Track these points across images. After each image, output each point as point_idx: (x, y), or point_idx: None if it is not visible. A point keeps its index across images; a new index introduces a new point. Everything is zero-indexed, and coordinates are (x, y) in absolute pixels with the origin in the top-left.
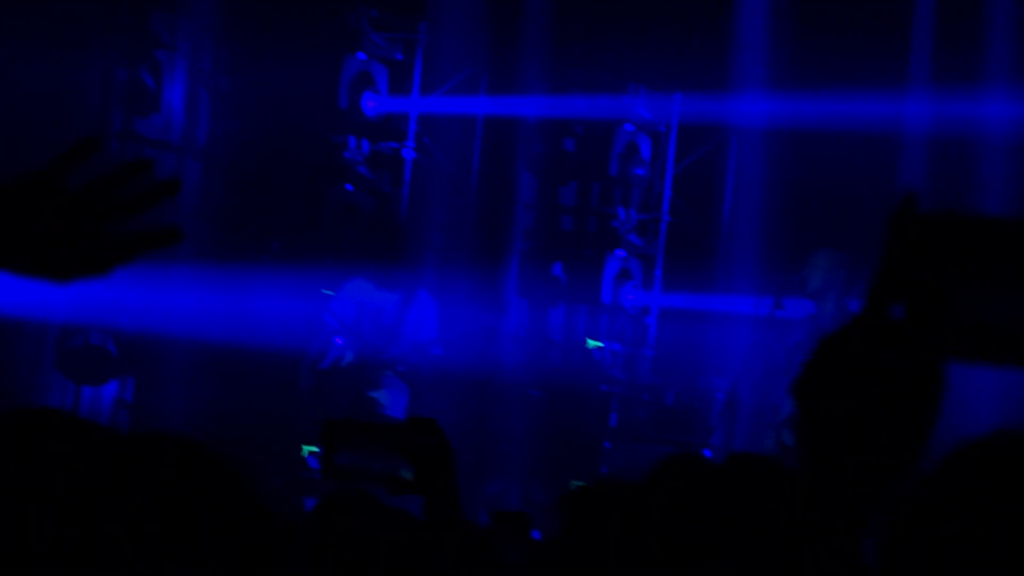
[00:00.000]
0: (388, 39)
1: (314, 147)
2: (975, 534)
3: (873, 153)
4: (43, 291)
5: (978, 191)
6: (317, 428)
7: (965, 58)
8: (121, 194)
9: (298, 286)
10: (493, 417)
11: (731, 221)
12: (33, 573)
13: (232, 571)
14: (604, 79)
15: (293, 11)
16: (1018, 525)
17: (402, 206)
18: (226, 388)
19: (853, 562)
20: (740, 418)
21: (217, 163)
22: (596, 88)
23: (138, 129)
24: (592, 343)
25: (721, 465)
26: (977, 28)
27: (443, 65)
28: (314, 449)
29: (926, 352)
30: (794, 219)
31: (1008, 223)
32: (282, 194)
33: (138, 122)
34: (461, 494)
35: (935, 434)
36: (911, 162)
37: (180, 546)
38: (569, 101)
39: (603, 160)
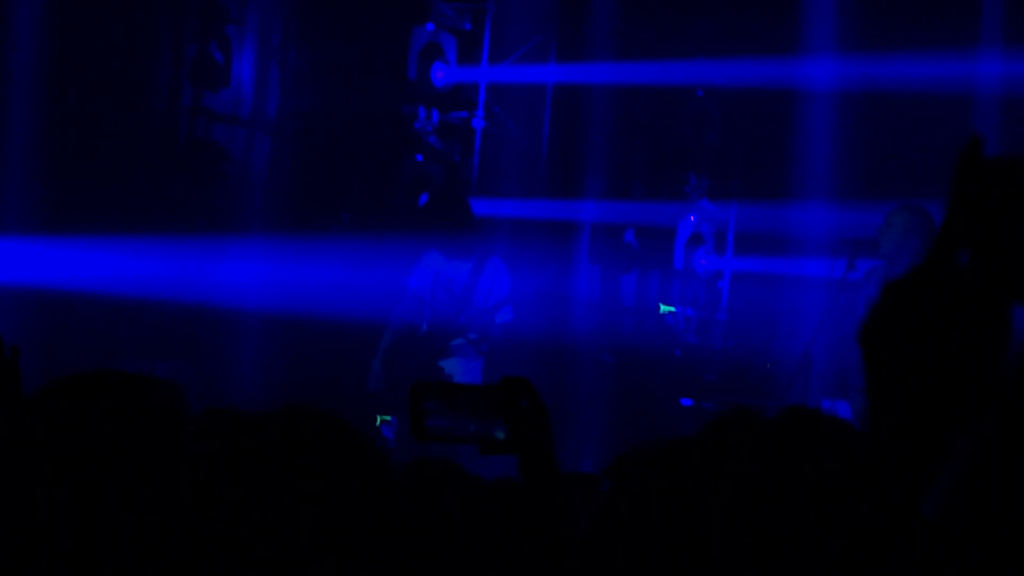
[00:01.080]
0: (456, 9)
1: (384, 119)
2: None
3: (947, 114)
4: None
5: None
6: (390, 398)
7: None
8: None
9: (370, 257)
10: (566, 382)
11: (802, 184)
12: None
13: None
14: (672, 46)
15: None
16: None
17: (472, 175)
18: (297, 360)
19: (911, 517)
20: (814, 381)
21: (287, 137)
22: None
23: (208, 104)
24: (665, 308)
25: (775, 419)
26: None
27: (511, 34)
28: (388, 418)
29: (991, 297)
30: (868, 181)
31: None
32: (352, 166)
33: (208, 97)
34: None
35: (1001, 380)
36: (984, 123)
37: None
38: (639, 68)
39: (675, 124)
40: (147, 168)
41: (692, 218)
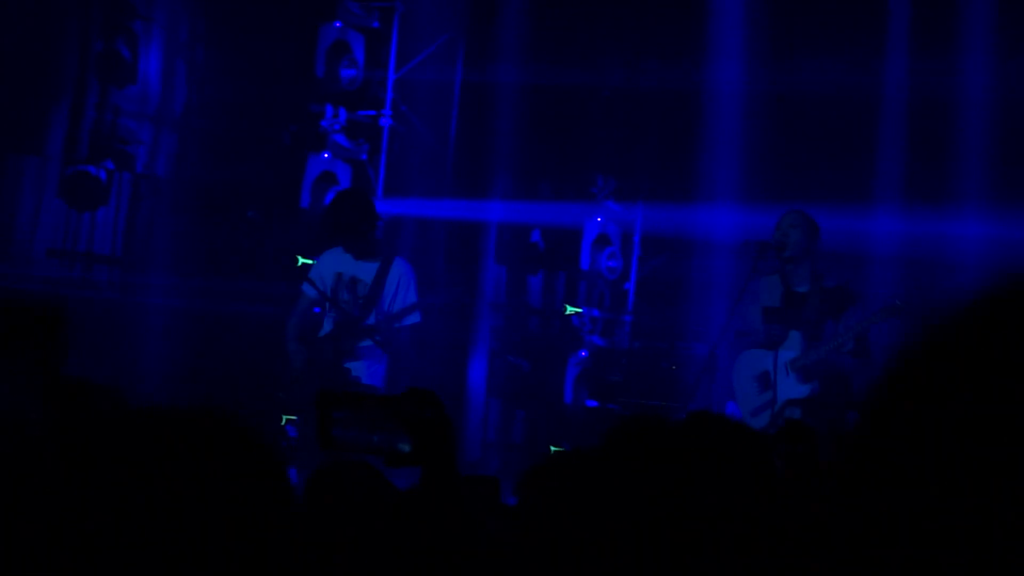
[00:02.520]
0: (364, 7)
1: (291, 116)
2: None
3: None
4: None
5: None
6: (294, 398)
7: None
8: None
9: (275, 255)
10: (472, 385)
11: (708, 185)
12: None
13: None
14: (580, 47)
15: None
16: None
17: (380, 174)
18: (202, 356)
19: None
20: (718, 383)
21: (193, 133)
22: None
23: (115, 100)
24: (571, 309)
25: (680, 424)
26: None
27: (420, 33)
28: (292, 418)
29: None
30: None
31: None
32: (259, 163)
33: (115, 93)
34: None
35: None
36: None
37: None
38: (547, 68)
39: (582, 125)
40: (54, 162)
41: (599, 219)
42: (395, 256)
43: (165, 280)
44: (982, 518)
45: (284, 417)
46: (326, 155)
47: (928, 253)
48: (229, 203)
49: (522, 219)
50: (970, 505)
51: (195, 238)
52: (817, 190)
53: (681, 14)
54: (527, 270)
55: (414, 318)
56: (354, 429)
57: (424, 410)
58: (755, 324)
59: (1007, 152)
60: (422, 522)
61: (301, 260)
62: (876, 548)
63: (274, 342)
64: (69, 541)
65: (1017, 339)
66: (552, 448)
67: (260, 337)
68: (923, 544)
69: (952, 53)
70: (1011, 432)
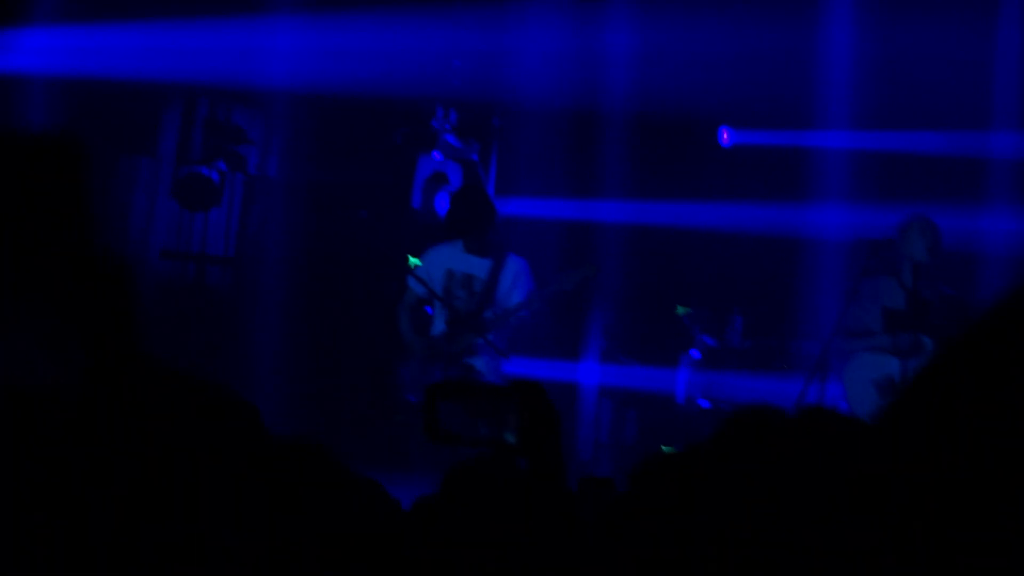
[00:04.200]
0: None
1: (402, 116)
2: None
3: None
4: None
5: None
6: (414, 395)
7: None
8: None
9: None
10: (584, 385)
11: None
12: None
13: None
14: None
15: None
16: None
17: (491, 173)
18: (315, 357)
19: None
20: (831, 382)
21: (305, 134)
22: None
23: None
24: (682, 309)
25: (794, 419)
26: None
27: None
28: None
29: None
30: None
31: None
32: (371, 164)
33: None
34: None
35: None
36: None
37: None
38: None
39: (692, 126)
40: (167, 163)
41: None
42: (508, 252)
43: (278, 280)
44: None
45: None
46: (437, 155)
47: None
48: (341, 203)
49: (634, 218)
50: None
51: (307, 238)
52: (929, 187)
53: None
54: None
55: (529, 312)
56: (461, 420)
57: (531, 402)
58: (874, 326)
59: None
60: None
61: (412, 260)
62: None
63: (387, 341)
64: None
65: None
66: (664, 448)
67: (372, 337)
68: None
69: None
70: None
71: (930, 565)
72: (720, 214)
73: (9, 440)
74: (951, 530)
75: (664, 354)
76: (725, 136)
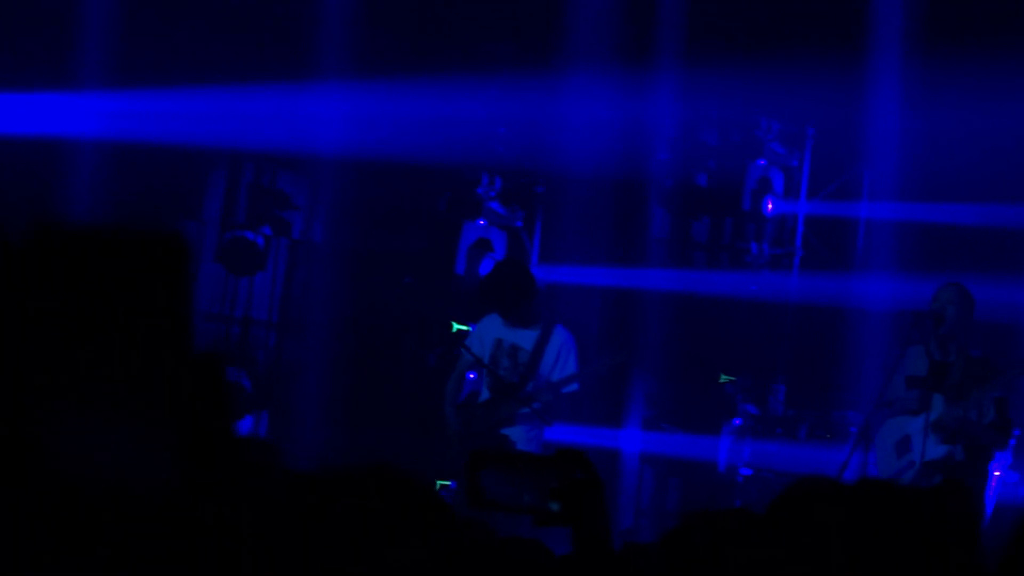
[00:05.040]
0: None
1: (447, 182)
2: None
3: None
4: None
5: None
6: (450, 462)
7: None
8: None
9: (431, 320)
10: (625, 451)
11: (864, 255)
12: None
13: None
14: (736, 114)
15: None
16: None
17: (535, 241)
18: (358, 421)
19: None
20: (888, 458)
21: (350, 200)
22: (728, 123)
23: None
24: (725, 377)
25: (852, 490)
26: None
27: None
28: (447, 483)
29: None
30: (927, 252)
31: None
32: (415, 229)
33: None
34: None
35: None
36: None
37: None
38: (702, 135)
39: (736, 195)
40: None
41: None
42: (556, 324)
43: (321, 345)
44: None
45: (439, 483)
46: (481, 222)
47: None
48: (385, 269)
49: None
50: None
51: (351, 303)
52: (969, 258)
53: None
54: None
55: (573, 387)
56: (504, 488)
57: (574, 470)
58: (899, 392)
59: None
60: None
61: (456, 326)
62: None
63: (429, 408)
64: None
65: None
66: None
67: (415, 403)
68: None
69: None
70: None
71: None
72: (763, 282)
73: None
74: None
75: (706, 422)
76: (770, 206)
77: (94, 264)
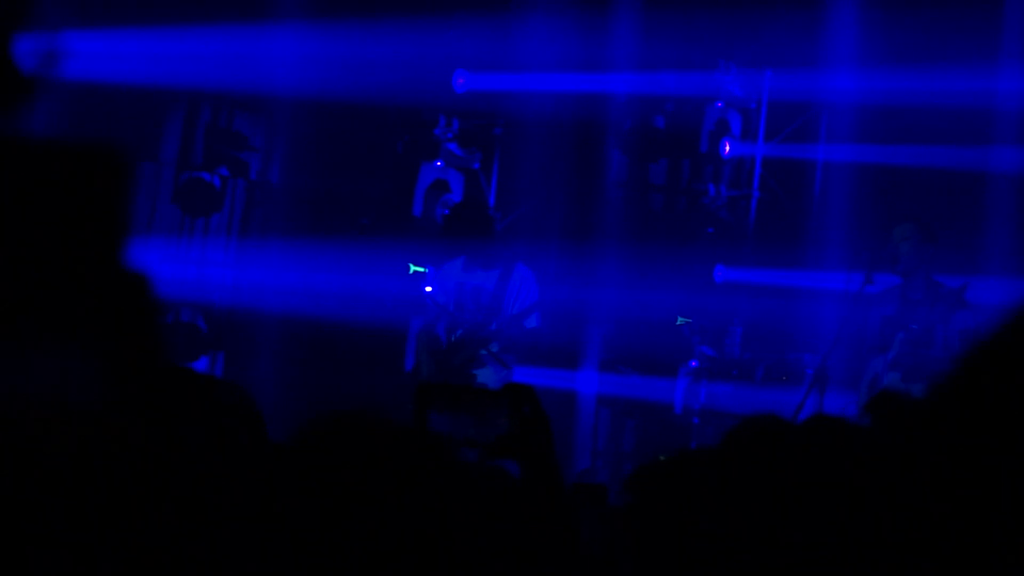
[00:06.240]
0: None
1: (405, 124)
2: None
3: (963, 127)
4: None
5: None
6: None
7: None
8: None
9: (390, 264)
10: (581, 394)
11: (821, 197)
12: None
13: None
14: (694, 56)
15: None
16: None
17: (492, 183)
18: (316, 363)
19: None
20: (829, 394)
21: (307, 141)
22: (686, 65)
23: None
24: (681, 319)
25: (801, 427)
26: None
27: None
28: None
29: None
30: (884, 194)
31: None
32: (373, 171)
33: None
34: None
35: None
36: (1002, 135)
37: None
38: (659, 78)
39: (694, 137)
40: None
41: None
42: (516, 262)
43: (278, 287)
44: None
45: None
46: (439, 163)
47: None
48: (342, 210)
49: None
50: None
51: (308, 244)
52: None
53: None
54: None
55: (534, 321)
56: (451, 422)
57: (522, 405)
58: (872, 332)
59: None
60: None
61: (413, 268)
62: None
63: (387, 349)
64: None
65: None
66: (661, 457)
67: (373, 344)
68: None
69: None
70: None
71: (935, 569)
72: (721, 225)
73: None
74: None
75: (663, 364)
76: (727, 148)
77: (22, 173)
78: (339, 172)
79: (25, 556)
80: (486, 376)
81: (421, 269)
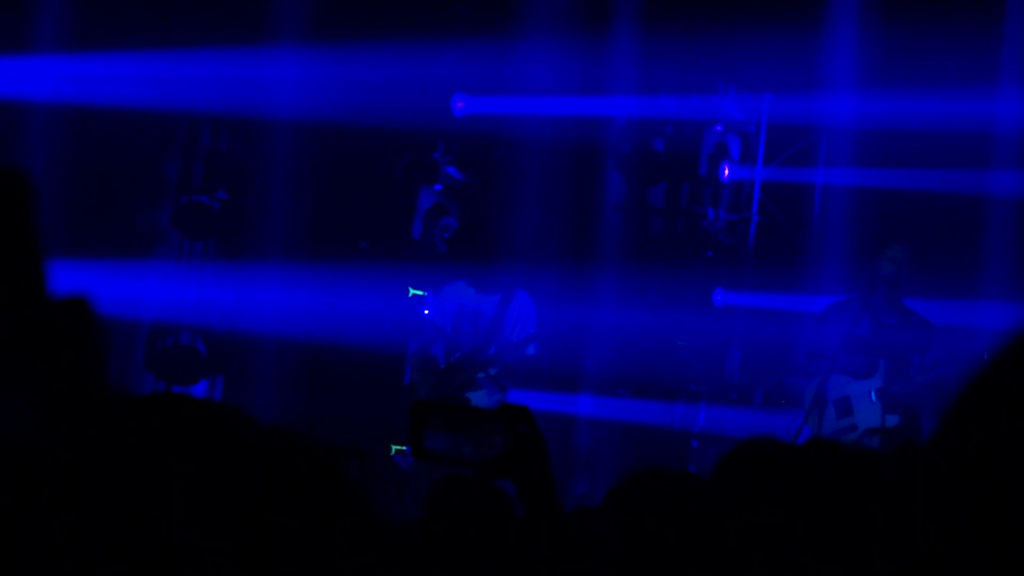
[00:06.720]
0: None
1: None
2: None
3: (962, 150)
4: (133, 291)
5: None
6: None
7: None
8: None
9: (390, 287)
10: (581, 417)
11: (820, 221)
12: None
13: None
14: (694, 79)
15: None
16: None
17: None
18: (315, 386)
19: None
20: (827, 416)
21: (306, 164)
22: (686, 88)
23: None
24: (680, 343)
25: (800, 449)
26: None
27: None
28: (402, 448)
29: None
30: (883, 218)
31: None
32: (372, 194)
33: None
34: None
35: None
36: (1001, 158)
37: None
38: (659, 101)
39: (693, 160)
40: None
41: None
42: (516, 289)
43: (277, 310)
44: None
45: (394, 448)
46: (438, 187)
47: None
48: (341, 234)
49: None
50: None
51: (307, 268)
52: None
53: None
54: (639, 304)
55: (531, 349)
56: (447, 440)
57: (518, 424)
58: (835, 348)
59: None
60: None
61: (412, 291)
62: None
63: (386, 372)
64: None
65: None
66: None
67: (372, 366)
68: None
69: None
70: None
71: None
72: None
73: None
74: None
75: (661, 387)
76: (727, 171)
77: None
78: (338, 195)
79: None
80: (481, 398)
81: (420, 292)
